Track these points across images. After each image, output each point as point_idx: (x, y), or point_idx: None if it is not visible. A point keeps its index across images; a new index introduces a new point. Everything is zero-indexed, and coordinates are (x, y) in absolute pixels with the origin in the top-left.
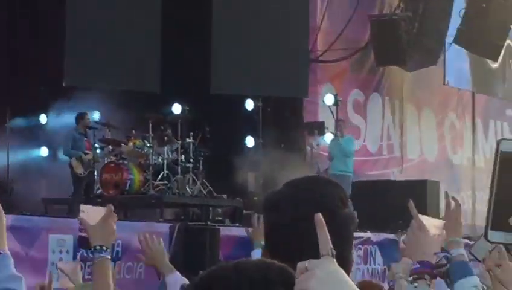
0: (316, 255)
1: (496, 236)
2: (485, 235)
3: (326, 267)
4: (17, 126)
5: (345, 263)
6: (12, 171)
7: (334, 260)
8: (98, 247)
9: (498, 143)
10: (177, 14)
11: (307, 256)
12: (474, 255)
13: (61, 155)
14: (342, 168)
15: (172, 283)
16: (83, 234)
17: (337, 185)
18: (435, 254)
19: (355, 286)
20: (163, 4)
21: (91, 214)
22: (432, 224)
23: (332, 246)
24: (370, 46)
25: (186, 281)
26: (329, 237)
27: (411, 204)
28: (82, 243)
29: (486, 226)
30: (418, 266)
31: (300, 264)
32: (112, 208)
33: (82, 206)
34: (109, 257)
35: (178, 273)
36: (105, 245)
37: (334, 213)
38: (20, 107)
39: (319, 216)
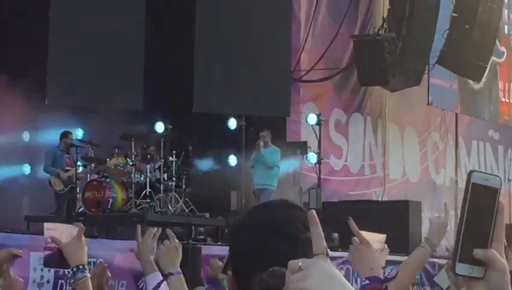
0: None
1: (462, 269)
2: (453, 267)
3: (322, 267)
4: None
5: None
6: None
7: (329, 259)
8: (80, 266)
9: (469, 174)
10: (160, 33)
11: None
12: (438, 283)
13: (43, 173)
14: (264, 181)
15: (152, 282)
16: (50, 252)
17: (300, 209)
18: (383, 268)
19: (352, 287)
20: (147, 23)
21: (60, 232)
22: (374, 239)
23: (326, 245)
24: (352, 66)
25: (165, 284)
26: (323, 236)
27: (351, 221)
28: (53, 262)
29: (454, 258)
30: (368, 282)
31: (293, 263)
32: (82, 225)
33: (46, 224)
34: (89, 275)
35: (160, 274)
36: (85, 264)
37: (295, 238)
38: (3, 124)
39: (313, 213)
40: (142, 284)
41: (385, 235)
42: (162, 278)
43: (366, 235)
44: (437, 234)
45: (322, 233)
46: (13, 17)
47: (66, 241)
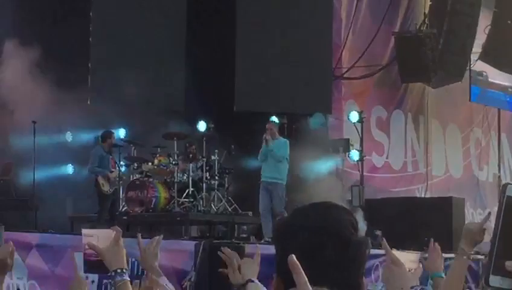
0: (328, 282)
1: (494, 281)
2: (486, 279)
3: None
4: (43, 143)
5: (358, 288)
6: (38, 189)
7: None
8: (118, 270)
9: (504, 187)
10: (202, 33)
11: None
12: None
13: (86, 173)
14: (273, 175)
15: None
16: (95, 258)
17: (347, 210)
18: (412, 288)
19: None
20: (188, 23)
21: (98, 237)
22: (407, 258)
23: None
24: (393, 63)
25: (172, 288)
26: (307, 281)
27: (384, 241)
28: (93, 267)
29: (487, 270)
30: None
31: None
32: (119, 229)
33: (84, 231)
34: (129, 279)
35: (165, 278)
36: (124, 267)
37: (347, 240)
38: (46, 125)
39: (293, 259)
40: (185, 283)
41: (419, 254)
42: (168, 282)
43: (401, 254)
44: (465, 239)
45: (305, 279)
46: (56, 18)
47: (104, 246)
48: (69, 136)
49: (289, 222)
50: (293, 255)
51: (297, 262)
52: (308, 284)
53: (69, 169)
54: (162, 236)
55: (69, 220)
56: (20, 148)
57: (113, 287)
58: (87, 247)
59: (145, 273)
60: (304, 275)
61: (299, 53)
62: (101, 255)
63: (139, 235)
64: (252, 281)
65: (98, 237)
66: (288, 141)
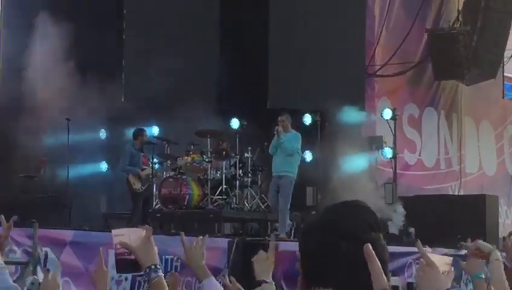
0: (338, 283)
1: None
2: None
3: None
4: (76, 141)
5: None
6: (72, 186)
7: None
8: (152, 267)
9: None
10: (235, 30)
11: (339, 282)
12: None
13: (119, 170)
14: (283, 168)
15: (207, 287)
16: (127, 257)
17: (368, 209)
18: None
19: None
20: (222, 20)
21: (129, 236)
22: (441, 261)
23: (387, 280)
24: (426, 60)
25: (221, 288)
26: (382, 271)
27: (419, 244)
28: (125, 267)
29: None
30: None
31: None
32: (150, 227)
33: (114, 231)
34: (163, 274)
35: (214, 278)
36: (158, 263)
37: (357, 239)
38: (80, 122)
39: (368, 248)
40: (219, 280)
41: (451, 258)
42: (216, 283)
43: (433, 257)
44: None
45: (380, 268)
46: (89, 18)
47: (135, 245)
48: (102, 134)
49: (312, 221)
50: (369, 244)
51: (373, 251)
52: (383, 274)
53: (103, 166)
54: (207, 236)
55: (102, 217)
56: (53, 145)
57: (147, 284)
58: (118, 247)
59: (169, 271)
60: (379, 264)
61: (333, 50)
62: (134, 253)
63: (182, 234)
64: (266, 282)
65: (129, 236)
66: (300, 135)
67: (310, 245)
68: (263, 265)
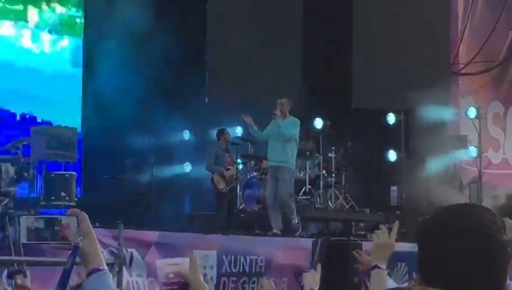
0: (472, 285)
1: None
2: None
3: None
4: (161, 142)
5: None
6: (157, 187)
7: None
8: None
9: None
10: (318, 30)
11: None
12: None
13: (203, 171)
14: (280, 158)
15: None
16: (172, 287)
17: (491, 212)
18: None
19: None
20: (305, 20)
21: (177, 264)
22: None
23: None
24: (511, 58)
25: None
26: None
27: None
28: None
29: None
30: None
31: None
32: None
33: (158, 262)
34: None
35: None
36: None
37: (492, 241)
38: (164, 124)
39: None
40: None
41: None
42: None
43: None
44: None
45: None
46: (172, 20)
47: (187, 273)
48: (186, 134)
49: (433, 222)
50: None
51: None
52: None
53: (187, 167)
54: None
55: (187, 218)
56: (139, 147)
57: None
58: (171, 275)
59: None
60: None
61: (417, 49)
62: (188, 279)
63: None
64: (379, 268)
65: (177, 265)
66: (298, 121)
67: (439, 247)
68: (381, 250)
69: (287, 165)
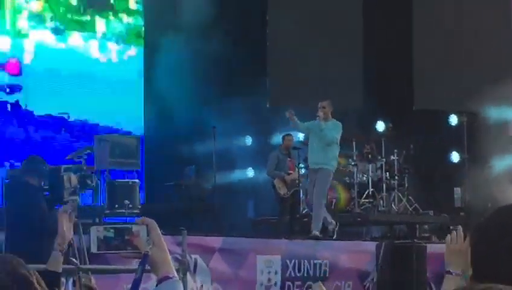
0: None
1: None
2: None
3: None
4: (222, 148)
5: None
6: (220, 192)
7: None
8: None
9: None
10: (379, 32)
11: None
12: None
13: (266, 176)
14: (321, 160)
15: None
16: None
17: None
18: None
19: None
20: (365, 23)
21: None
22: None
23: None
24: None
25: None
26: None
27: None
28: None
29: None
30: None
31: None
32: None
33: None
34: None
35: None
36: None
37: None
38: (226, 129)
39: None
40: (367, 284)
41: None
42: None
43: None
44: None
45: None
46: (233, 27)
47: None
48: (248, 140)
49: (489, 222)
50: None
51: None
52: None
53: (250, 172)
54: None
55: (250, 223)
56: (201, 153)
57: None
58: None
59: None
60: None
61: (478, 49)
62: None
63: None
64: (450, 274)
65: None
66: (341, 124)
67: (503, 247)
68: (454, 255)
69: (326, 167)
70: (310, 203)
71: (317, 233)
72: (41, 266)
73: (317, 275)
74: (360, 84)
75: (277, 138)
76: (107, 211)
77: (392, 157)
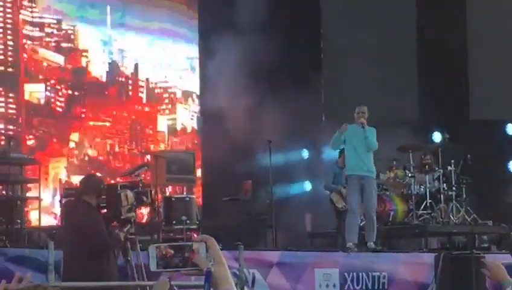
0: None
1: None
2: None
3: None
4: (279, 162)
5: None
6: (277, 206)
7: None
8: None
9: None
10: (433, 41)
11: None
12: None
13: (323, 189)
14: (367, 167)
15: None
16: None
17: None
18: None
19: None
20: (418, 33)
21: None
22: None
23: None
24: None
25: None
26: None
27: None
28: None
29: None
30: None
31: None
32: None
33: None
34: None
35: None
36: None
37: None
38: (283, 143)
39: None
40: None
41: None
42: None
43: None
44: None
45: None
46: (286, 38)
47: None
48: (305, 153)
49: None
50: None
51: None
52: None
53: (307, 186)
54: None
55: (308, 236)
56: (257, 167)
57: None
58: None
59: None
60: None
61: None
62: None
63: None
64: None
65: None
66: (375, 130)
67: None
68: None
69: (372, 176)
70: (361, 211)
71: (372, 245)
72: None
73: (376, 287)
74: (415, 95)
75: (333, 152)
76: (165, 228)
77: (449, 168)
